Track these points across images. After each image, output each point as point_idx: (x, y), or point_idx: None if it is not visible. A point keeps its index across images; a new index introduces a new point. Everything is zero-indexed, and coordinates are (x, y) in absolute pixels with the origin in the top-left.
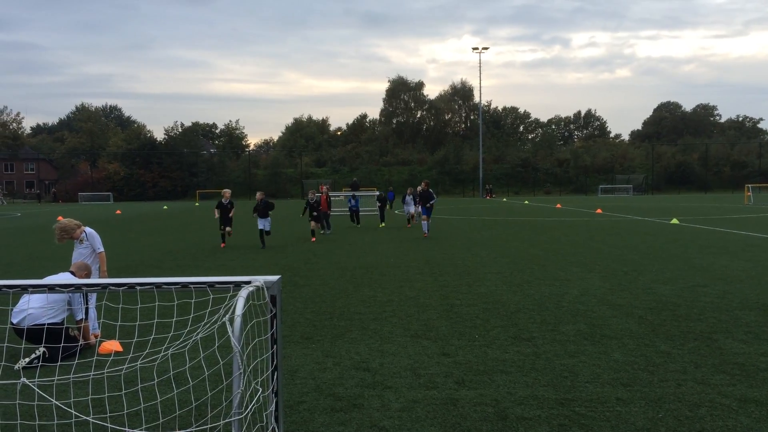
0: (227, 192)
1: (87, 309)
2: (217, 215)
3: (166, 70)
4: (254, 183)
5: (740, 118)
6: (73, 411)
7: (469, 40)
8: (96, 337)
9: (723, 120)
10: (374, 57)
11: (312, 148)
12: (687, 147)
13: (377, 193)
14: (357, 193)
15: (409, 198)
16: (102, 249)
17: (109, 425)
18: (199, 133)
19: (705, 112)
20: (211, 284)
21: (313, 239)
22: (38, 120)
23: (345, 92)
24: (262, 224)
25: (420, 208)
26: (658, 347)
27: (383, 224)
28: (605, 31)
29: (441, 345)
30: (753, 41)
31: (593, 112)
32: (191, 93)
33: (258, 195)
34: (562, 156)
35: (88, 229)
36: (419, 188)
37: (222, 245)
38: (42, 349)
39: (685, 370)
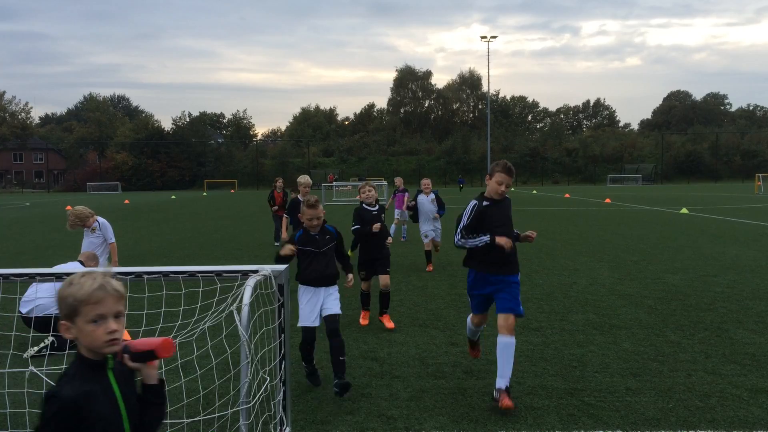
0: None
1: None
2: (285, 229)
3: (174, 60)
4: (262, 173)
5: (751, 107)
6: None
7: (477, 28)
8: None
9: (734, 109)
10: (382, 46)
11: (320, 138)
12: (697, 136)
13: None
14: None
15: (424, 200)
16: (114, 239)
17: None
18: (207, 122)
19: (715, 100)
20: (218, 273)
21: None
22: (46, 110)
23: (353, 82)
24: (323, 310)
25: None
26: (668, 337)
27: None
28: (615, 20)
29: (449, 334)
30: (765, 29)
31: (602, 101)
32: (199, 83)
33: (310, 209)
34: (570, 145)
35: (100, 219)
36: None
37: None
38: (50, 338)
39: (695, 360)
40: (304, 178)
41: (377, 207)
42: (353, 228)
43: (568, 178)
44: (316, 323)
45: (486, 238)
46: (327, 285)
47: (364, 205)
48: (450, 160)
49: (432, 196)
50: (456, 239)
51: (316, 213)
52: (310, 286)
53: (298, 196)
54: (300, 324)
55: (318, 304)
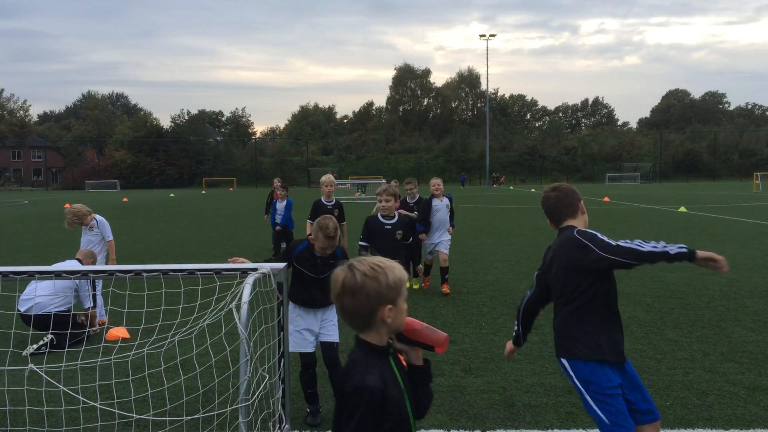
0: (329, 184)
1: (94, 296)
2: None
3: (173, 58)
4: (260, 171)
5: (749, 106)
6: (80, 397)
7: (476, 27)
8: (103, 323)
9: (732, 107)
10: (381, 44)
11: (318, 136)
12: (695, 135)
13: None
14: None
15: (439, 205)
16: (111, 237)
17: (116, 411)
18: (206, 120)
19: (714, 99)
20: (217, 271)
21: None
22: (45, 108)
23: (351, 80)
24: (320, 336)
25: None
26: (666, 335)
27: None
28: (614, 18)
29: (448, 332)
30: (764, 28)
31: (601, 99)
32: (198, 80)
33: (329, 240)
34: (569, 144)
35: (98, 217)
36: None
37: None
38: (50, 336)
39: (693, 359)
40: (326, 177)
41: (395, 219)
42: (359, 242)
43: (567, 176)
44: (312, 349)
45: (684, 249)
46: (323, 307)
47: (379, 215)
48: (449, 159)
49: (446, 201)
50: (626, 245)
51: (332, 244)
52: (303, 307)
53: (322, 198)
54: (294, 350)
55: (313, 330)
